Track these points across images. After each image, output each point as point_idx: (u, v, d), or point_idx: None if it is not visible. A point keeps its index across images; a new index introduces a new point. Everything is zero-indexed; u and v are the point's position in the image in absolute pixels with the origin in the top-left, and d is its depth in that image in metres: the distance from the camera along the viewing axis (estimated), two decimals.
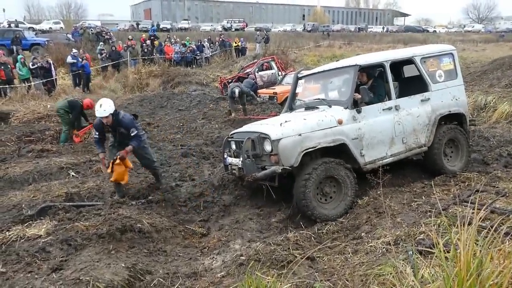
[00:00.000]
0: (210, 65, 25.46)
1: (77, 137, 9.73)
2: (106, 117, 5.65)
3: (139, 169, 7.35)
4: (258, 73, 16.25)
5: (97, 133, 5.95)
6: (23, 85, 16.29)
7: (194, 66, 24.64)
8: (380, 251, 3.54)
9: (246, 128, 5.94)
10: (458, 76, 6.42)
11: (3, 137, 9.82)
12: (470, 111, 8.71)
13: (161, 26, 45.81)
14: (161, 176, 6.52)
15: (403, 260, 3.08)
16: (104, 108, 5.63)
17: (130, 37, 26.40)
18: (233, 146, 5.81)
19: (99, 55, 21.41)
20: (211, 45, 28.09)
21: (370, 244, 3.73)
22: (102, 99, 5.84)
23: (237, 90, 11.69)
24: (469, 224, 2.75)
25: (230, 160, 5.75)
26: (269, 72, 16.60)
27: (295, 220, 5.17)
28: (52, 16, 58.74)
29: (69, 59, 18.24)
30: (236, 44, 28.47)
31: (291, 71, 15.12)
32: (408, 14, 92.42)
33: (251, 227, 5.18)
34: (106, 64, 21.13)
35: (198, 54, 25.58)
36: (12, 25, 35.35)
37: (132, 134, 5.81)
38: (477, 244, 2.68)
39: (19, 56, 16.98)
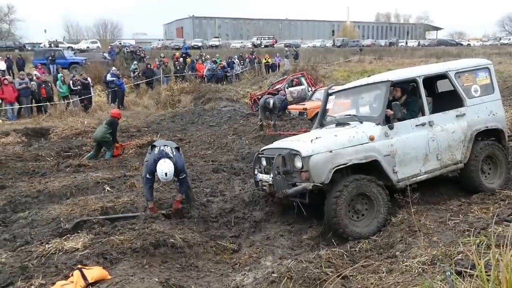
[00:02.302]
0: (240, 82, 25.79)
1: (117, 149, 10.13)
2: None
3: (171, 184, 7.48)
4: (288, 89, 16.32)
5: (150, 176, 5.83)
6: (63, 102, 16.99)
7: (224, 83, 25.02)
8: (416, 271, 3.44)
9: (276, 144, 5.96)
10: (495, 90, 6.25)
11: (43, 152, 10.27)
12: (508, 126, 8.42)
13: (192, 44, 46.94)
14: (193, 202, 6.27)
15: (440, 281, 2.99)
16: (169, 175, 5.61)
17: (162, 55, 27.16)
18: (264, 163, 5.82)
19: (132, 73, 22.00)
20: (242, 61, 28.48)
21: (406, 264, 3.63)
22: (163, 165, 5.57)
23: (271, 101, 11.84)
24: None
25: (260, 176, 5.77)
26: (299, 88, 16.66)
27: (327, 237, 5.11)
28: (90, 36, 61.40)
29: (109, 77, 18.89)
30: (266, 61, 28.74)
31: (321, 87, 15.11)
32: (441, 27, 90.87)
33: (282, 244, 5.16)
34: (139, 82, 21.75)
35: (229, 71, 25.97)
36: (52, 45, 37.19)
37: (180, 177, 5.89)
38: None
39: (59, 75, 17.78)
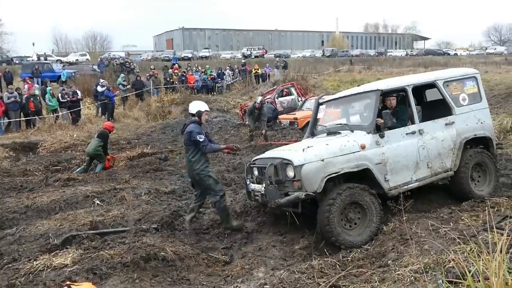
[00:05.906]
0: (230, 92, 25.86)
1: (108, 161, 10.04)
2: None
3: (162, 196, 7.43)
4: (278, 99, 16.39)
5: (203, 137, 5.81)
6: (51, 115, 16.84)
7: (215, 93, 25.05)
8: (408, 279, 3.43)
9: (268, 154, 5.96)
10: (482, 99, 6.33)
11: (31, 166, 10.13)
12: (496, 134, 8.52)
13: (182, 55, 47.04)
14: (227, 215, 5.91)
15: None
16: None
17: (152, 67, 27.13)
18: (256, 172, 5.81)
19: (121, 86, 21.74)
20: (232, 72, 28.59)
21: (398, 272, 3.62)
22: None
23: (259, 99, 12.28)
24: (500, 251, 2.66)
25: (252, 186, 5.75)
26: (289, 98, 16.74)
27: (319, 247, 5.08)
28: (79, 49, 60.93)
29: (100, 89, 18.71)
30: (256, 71, 28.90)
31: (311, 97, 15.21)
32: (428, 37, 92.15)
33: (274, 255, 5.13)
34: (127, 95, 21.60)
35: (219, 82, 26.02)
36: (41, 58, 36.99)
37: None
38: (510, 273, 2.58)
39: (48, 88, 17.64)
